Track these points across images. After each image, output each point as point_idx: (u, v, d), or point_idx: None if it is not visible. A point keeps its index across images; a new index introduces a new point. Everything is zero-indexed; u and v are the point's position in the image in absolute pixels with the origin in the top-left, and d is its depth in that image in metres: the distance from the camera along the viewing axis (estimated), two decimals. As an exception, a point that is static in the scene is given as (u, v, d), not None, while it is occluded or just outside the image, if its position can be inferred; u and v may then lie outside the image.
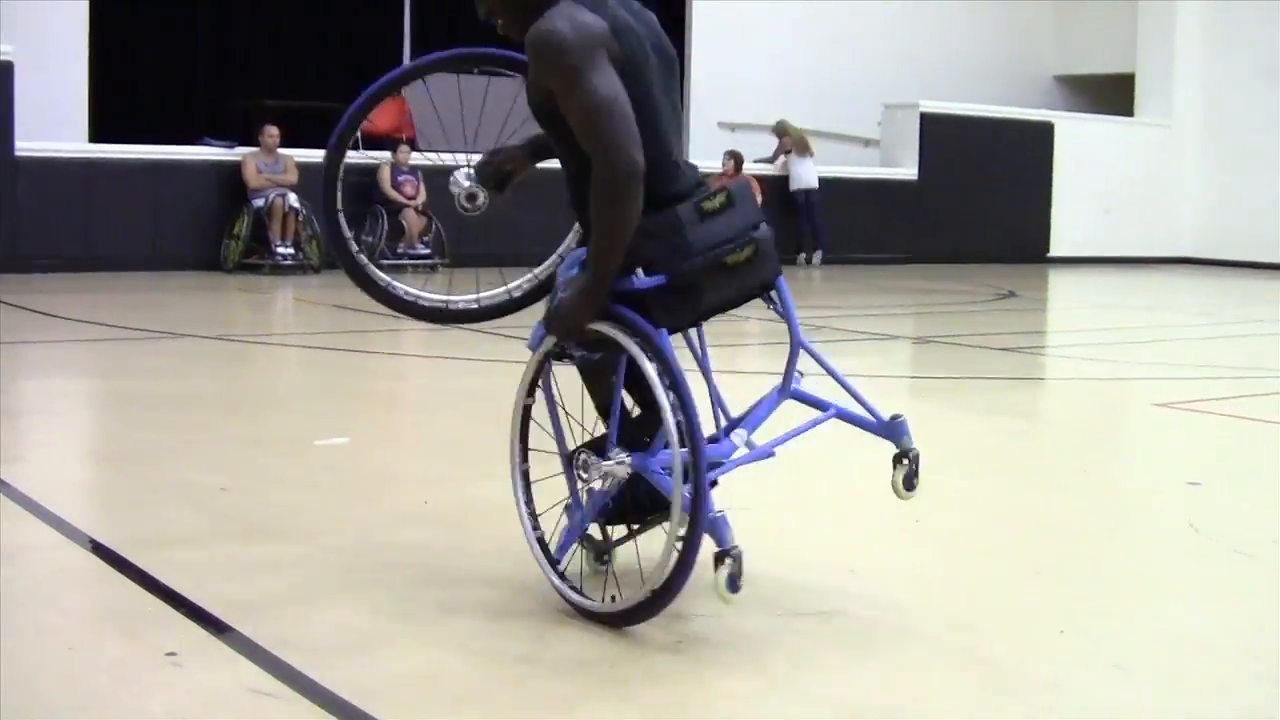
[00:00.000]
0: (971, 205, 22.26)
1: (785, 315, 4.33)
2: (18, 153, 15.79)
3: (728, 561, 3.66)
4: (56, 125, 16.80)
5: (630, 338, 3.81)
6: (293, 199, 16.61)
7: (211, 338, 10.95)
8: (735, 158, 19.69)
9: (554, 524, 4.12)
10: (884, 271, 19.85)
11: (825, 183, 21.15)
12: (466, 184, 4.32)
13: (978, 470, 6.47)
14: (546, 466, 4.16)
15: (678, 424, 3.73)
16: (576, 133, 3.77)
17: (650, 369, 3.77)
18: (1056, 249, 23.44)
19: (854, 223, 21.32)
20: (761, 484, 5.86)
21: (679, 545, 3.74)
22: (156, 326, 11.16)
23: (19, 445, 6.72)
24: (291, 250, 16.52)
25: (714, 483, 4.08)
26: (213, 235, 16.73)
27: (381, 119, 18.90)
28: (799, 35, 23.33)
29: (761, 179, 19.52)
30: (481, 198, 4.34)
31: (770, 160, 21.38)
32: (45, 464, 6.33)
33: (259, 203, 16.58)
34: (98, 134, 17.86)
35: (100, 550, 4.62)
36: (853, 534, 5.18)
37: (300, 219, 16.62)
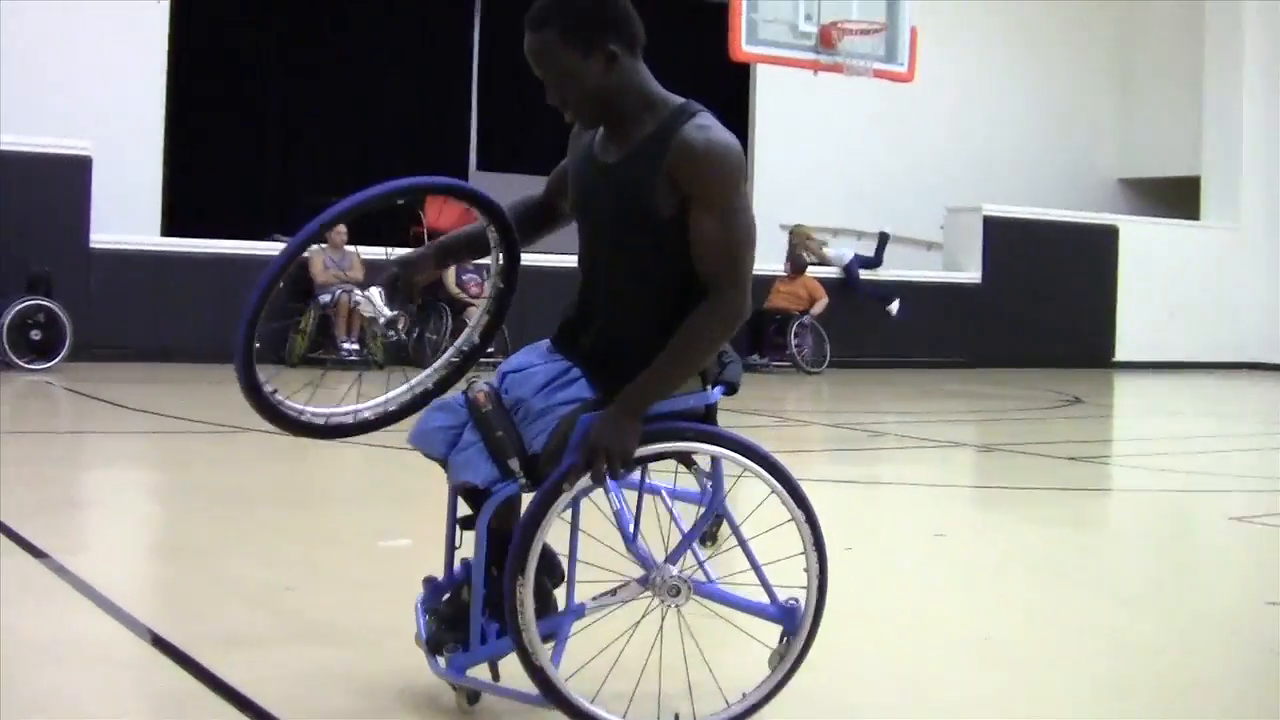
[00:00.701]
0: (1035, 309, 22.19)
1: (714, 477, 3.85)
2: (93, 245, 16.02)
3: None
4: (131, 218, 17.05)
5: (730, 450, 3.71)
6: (359, 295, 16.67)
7: (275, 432, 10.97)
8: (795, 261, 19.74)
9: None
10: (946, 376, 19.78)
11: (887, 286, 21.17)
12: (385, 311, 3.98)
13: (1044, 583, 6.41)
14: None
15: (815, 535, 3.81)
16: (705, 251, 3.54)
17: (773, 481, 3.76)
18: (1121, 353, 23.33)
19: (916, 326, 21.29)
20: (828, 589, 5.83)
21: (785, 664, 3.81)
22: (222, 420, 11.22)
23: (84, 536, 6.78)
24: (356, 346, 16.62)
25: None
26: (279, 330, 16.85)
27: (445, 219, 19.07)
28: (861, 137, 23.42)
29: (823, 280, 19.59)
30: (403, 321, 4.03)
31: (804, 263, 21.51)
32: (109, 556, 6.37)
33: (325, 298, 16.72)
34: (170, 228, 18.10)
35: (162, 645, 4.62)
36: (919, 647, 5.11)
37: (366, 315, 16.70)
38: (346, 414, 4.11)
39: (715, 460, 3.73)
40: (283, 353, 16.67)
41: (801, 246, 20.87)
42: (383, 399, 4.10)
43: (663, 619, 3.71)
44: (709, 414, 3.77)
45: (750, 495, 3.84)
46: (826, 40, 18.50)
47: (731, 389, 3.80)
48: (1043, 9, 25.51)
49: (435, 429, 3.80)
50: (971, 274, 22.18)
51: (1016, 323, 22.06)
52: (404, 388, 4.09)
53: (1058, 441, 12.29)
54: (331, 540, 6.74)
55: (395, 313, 3.97)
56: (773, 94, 23.00)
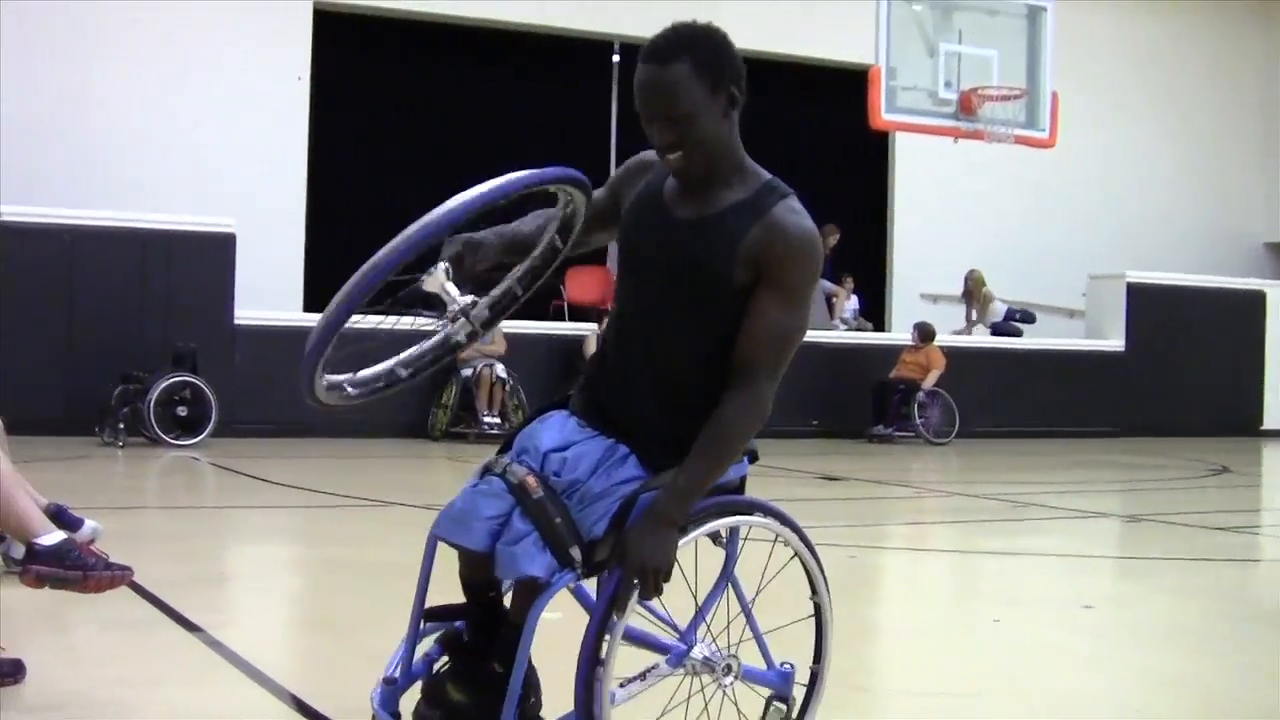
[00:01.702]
0: (1180, 377, 21.87)
1: None
2: (237, 321, 16.29)
3: None
4: (274, 294, 17.33)
5: (772, 520, 3.62)
6: (500, 369, 16.88)
7: (419, 506, 11.08)
8: (921, 330, 19.65)
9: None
10: (1089, 445, 19.54)
11: (1029, 355, 21.06)
12: (457, 295, 3.65)
13: (1197, 656, 6.30)
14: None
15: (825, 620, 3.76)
16: (757, 335, 3.43)
17: (810, 560, 3.70)
18: (1270, 422, 22.89)
19: (1059, 395, 21.09)
20: (976, 661, 5.77)
21: None
22: (364, 494, 11.34)
23: (232, 609, 6.87)
24: (498, 419, 16.74)
25: None
26: (421, 404, 17.03)
27: (587, 291, 19.23)
28: (1002, 204, 23.31)
29: (947, 350, 19.47)
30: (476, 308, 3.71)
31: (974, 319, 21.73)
32: (261, 629, 6.46)
33: (467, 372, 16.87)
34: (312, 303, 18.36)
35: (311, 714, 4.67)
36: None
37: (507, 389, 16.87)
38: (379, 376, 3.92)
39: (733, 530, 3.59)
40: (427, 426, 16.87)
41: (976, 288, 21.13)
42: (417, 351, 3.85)
43: (706, 701, 3.58)
44: (741, 485, 3.69)
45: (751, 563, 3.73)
46: (966, 107, 18.47)
47: (754, 457, 3.68)
48: (1186, 73, 25.30)
49: (481, 520, 3.44)
50: (1115, 342, 21.93)
51: (1162, 391, 21.75)
52: (437, 339, 3.81)
53: (1206, 511, 12.09)
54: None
55: (470, 299, 3.65)
56: (912, 161, 22.96)
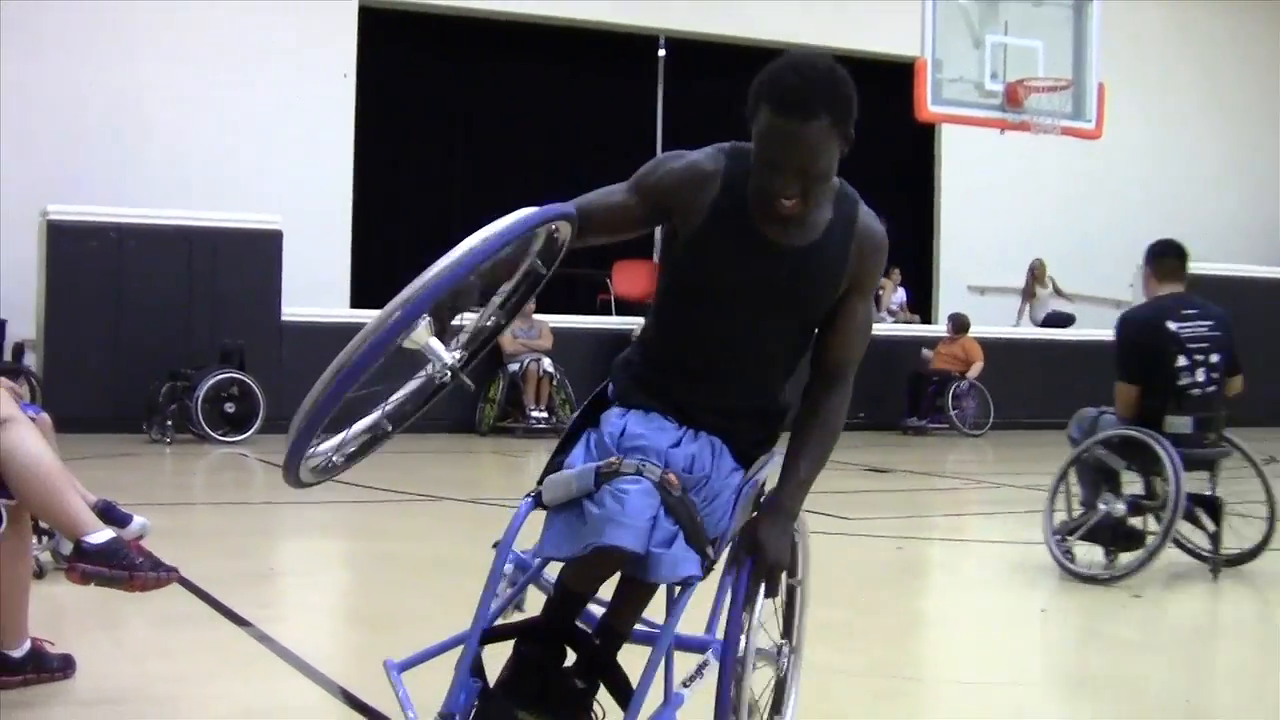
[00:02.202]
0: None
1: None
2: (284, 318, 16.35)
3: None
4: (321, 291, 17.40)
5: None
6: (547, 364, 16.91)
7: (466, 500, 11.12)
8: (956, 321, 19.57)
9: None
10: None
11: (1077, 345, 20.96)
12: (443, 354, 3.41)
13: (1246, 645, 6.27)
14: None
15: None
16: (853, 339, 3.50)
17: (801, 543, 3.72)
18: (1320, 412, 22.70)
19: (1106, 385, 20.92)
20: (1024, 650, 5.75)
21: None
22: (412, 489, 11.37)
23: (281, 604, 6.91)
24: (545, 414, 16.77)
25: None
26: (468, 399, 17.04)
27: (633, 285, 19.23)
28: (1049, 196, 23.22)
29: (982, 341, 19.35)
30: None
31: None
32: (311, 624, 6.49)
33: (514, 367, 16.91)
34: (358, 298, 18.44)
35: (366, 711, 4.68)
36: (1120, 710, 5.01)
37: (554, 383, 16.89)
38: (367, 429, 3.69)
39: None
40: (475, 421, 16.92)
41: (1040, 273, 21.14)
42: (399, 399, 3.66)
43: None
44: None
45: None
46: (1013, 98, 18.41)
47: None
48: (1233, 63, 25.14)
49: (642, 521, 3.20)
50: (1163, 333, 21.75)
51: (1212, 381, 21.56)
52: (414, 387, 3.62)
53: (1258, 502, 11.99)
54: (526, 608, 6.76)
55: (458, 354, 3.44)
56: (959, 153, 22.90)
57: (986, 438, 18.61)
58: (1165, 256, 8.22)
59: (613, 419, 3.45)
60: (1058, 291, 22.22)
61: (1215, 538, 7.89)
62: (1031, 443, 17.83)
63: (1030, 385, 20.23)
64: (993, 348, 19.50)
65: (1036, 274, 22.13)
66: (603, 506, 3.21)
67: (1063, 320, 22.04)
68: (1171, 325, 7.90)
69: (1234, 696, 5.28)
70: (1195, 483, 7.73)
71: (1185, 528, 7.75)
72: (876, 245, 3.51)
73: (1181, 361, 7.87)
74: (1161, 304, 8.08)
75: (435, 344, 3.32)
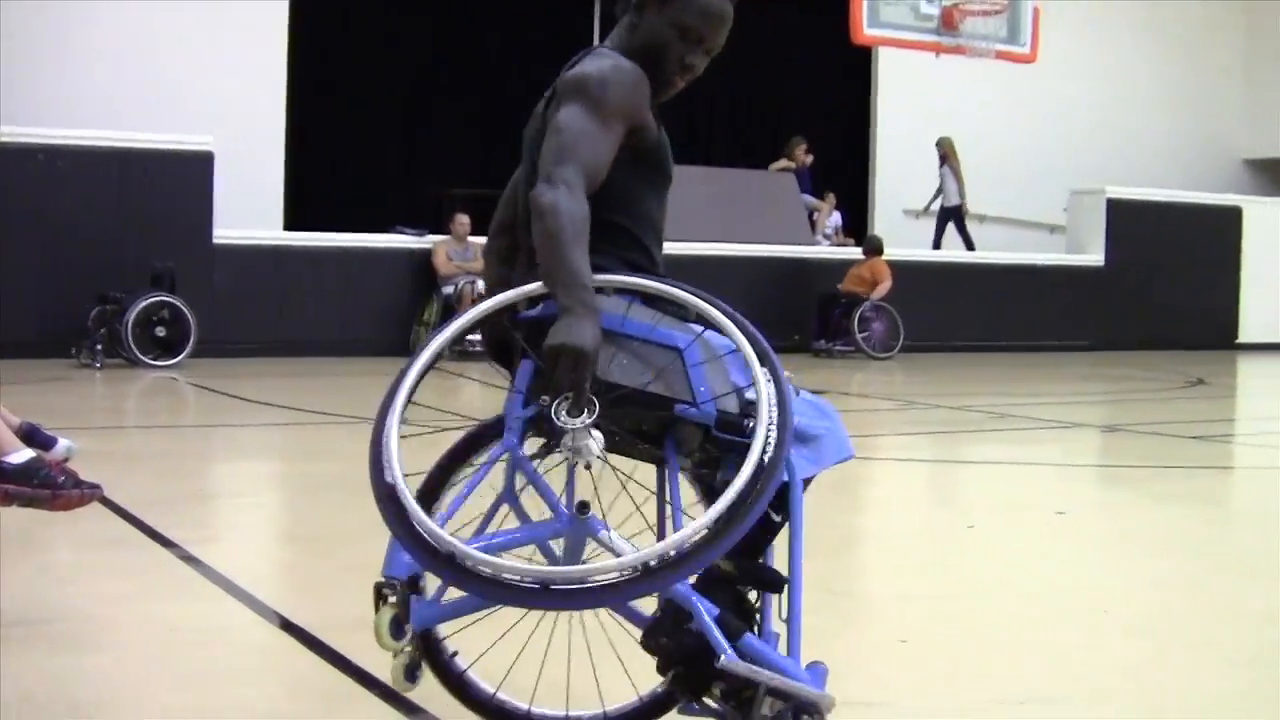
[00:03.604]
0: (1159, 291, 21.90)
1: None
2: (216, 240, 16.23)
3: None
4: (253, 213, 17.27)
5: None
6: (481, 286, 16.80)
7: (400, 422, 11.08)
8: (868, 243, 19.54)
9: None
10: (1069, 358, 19.60)
11: (1011, 270, 21.08)
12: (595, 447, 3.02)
13: (1170, 558, 6.36)
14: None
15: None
16: None
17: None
18: (1246, 335, 22.96)
19: (1039, 310, 21.14)
20: (951, 566, 5.83)
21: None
22: (347, 411, 11.35)
23: (215, 526, 6.90)
24: (479, 337, 16.70)
25: None
26: (403, 321, 17.03)
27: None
28: (984, 121, 23.27)
29: (893, 264, 19.27)
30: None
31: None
32: (241, 545, 6.49)
33: (449, 290, 16.87)
34: (292, 222, 18.33)
35: (294, 630, 4.70)
36: (1044, 622, 5.08)
37: (488, 305, 16.86)
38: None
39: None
40: (409, 343, 16.88)
41: (951, 153, 21.35)
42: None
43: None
44: None
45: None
46: (949, 22, 18.45)
47: None
48: (1168, -11, 25.27)
49: None
50: (1095, 257, 21.94)
51: (1140, 305, 21.79)
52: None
53: (1181, 421, 12.15)
54: (459, 524, 6.78)
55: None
56: (895, 78, 22.93)
57: (896, 360, 18.59)
58: None
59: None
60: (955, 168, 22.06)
61: None
62: (939, 365, 17.94)
63: (943, 308, 20.33)
64: (905, 270, 19.54)
65: (947, 149, 22.04)
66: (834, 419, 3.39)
67: (964, 236, 21.96)
68: None
69: (1157, 604, 5.36)
70: None
71: None
72: None
73: None
74: None
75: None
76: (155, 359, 14.78)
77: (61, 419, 8.49)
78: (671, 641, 3.08)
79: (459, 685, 3.57)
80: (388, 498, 3.11)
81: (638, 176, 3.44)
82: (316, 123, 20.07)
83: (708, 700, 3.14)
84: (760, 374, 3.12)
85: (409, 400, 3.32)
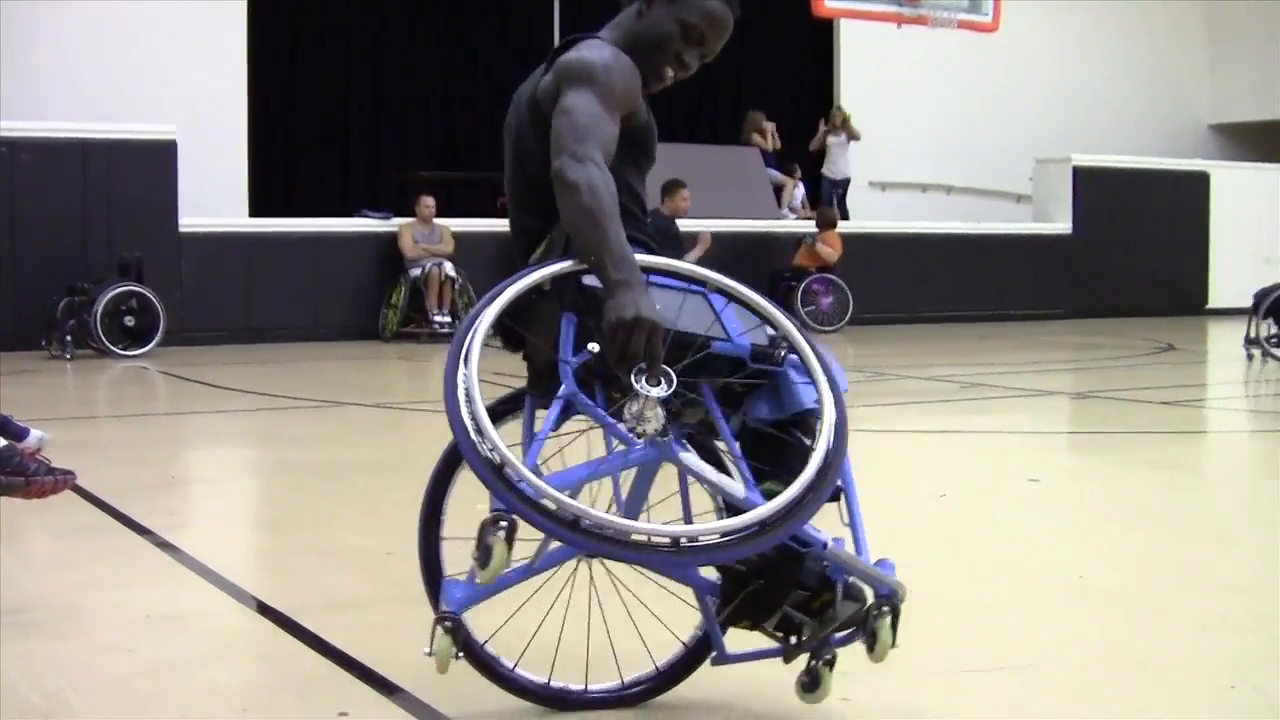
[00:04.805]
0: (1127, 258, 21.97)
1: None
2: (182, 229, 16.19)
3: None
4: (219, 201, 17.23)
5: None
6: (449, 268, 16.86)
7: (371, 405, 11.11)
8: (820, 215, 19.45)
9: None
10: (1038, 327, 19.67)
11: (978, 240, 21.12)
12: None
13: (1141, 524, 6.39)
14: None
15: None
16: None
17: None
18: (1215, 300, 23.03)
19: (1007, 279, 21.20)
20: (922, 535, 5.85)
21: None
22: (318, 395, 11.35)
23: (188, 512, 6.90)
24: (448, 318, 16.72)
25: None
26: (371, 305, 17.02)
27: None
28: (948, 91, 23.31)
29: (850, 237, 19.12)
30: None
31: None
32: (214, 530, 6.48)
33: (416, 272, 16.85)
34: (259, 208, 18.28)
35: (269, 613, 4.70)
36: (1014, 589, 5.11)
37: (456, 288, 16.85)
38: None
39: None
40: (378, 327, 16.90)
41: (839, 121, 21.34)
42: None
43: None
44: None
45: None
46: (910, -8, 18.42)
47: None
48: (1128, -45, 25.29)
49: None
50: (1062, 225, 22.01)
51: (1108, 273, 21.86)
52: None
53: (1151, 387, 12.21)
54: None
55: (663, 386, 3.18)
56: (857, 50, 22.92)
57: (843, 333, 18.56)
58: None
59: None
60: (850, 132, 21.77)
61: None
62: (906, 337, 17.97)
63: (910, 279, 20.35)
64: (871, 242, 19.54)
65: (834, 122, 21.78)
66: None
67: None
68: None
69: (1129, 571, 5.38)
70: None
71: None
72: None
73: None
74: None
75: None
76: (125, 349, 14.74)
77: (33, 410, 8.47)
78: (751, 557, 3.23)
79: (481, 661, 3.65)
80: (498, 475, 3.12)
81: (630, 160, 3.60)
82: (279, 108, 20.02)
83: (764, 630, 3.38)
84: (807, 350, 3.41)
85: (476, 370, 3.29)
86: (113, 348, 14.68)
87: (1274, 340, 14.56)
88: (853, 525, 3.45)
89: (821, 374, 3.38)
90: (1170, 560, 5.65)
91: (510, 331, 3.54)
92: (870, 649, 3.35)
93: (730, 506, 3.24)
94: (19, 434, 5.91)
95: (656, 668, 3.72)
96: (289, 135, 20.38)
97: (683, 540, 3.08)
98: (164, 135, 16.21)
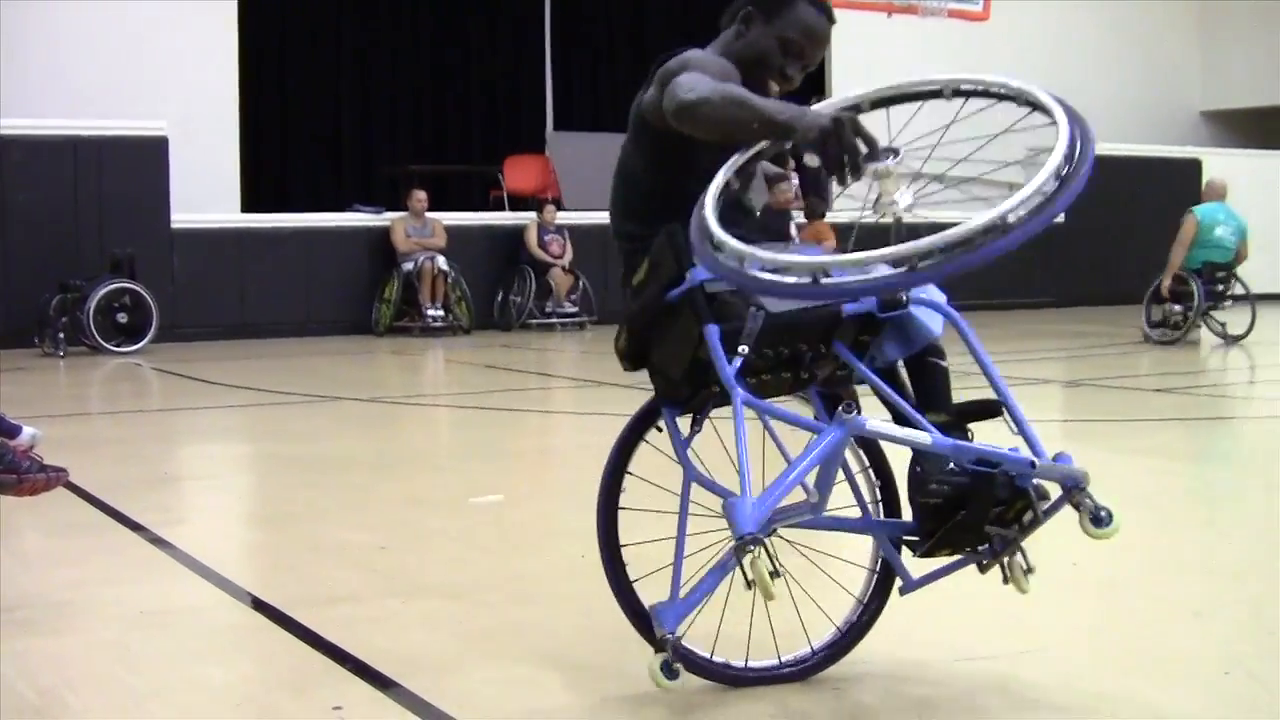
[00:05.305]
0: (1119, 245, 21.97)
1: None
2: (174, 225, 16.18)
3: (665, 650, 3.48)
4: (211, 196, 17.21)
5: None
6: (441, 262, 16.85)
7: (365, 400, 11.11)
8: (807, 205, 19.39)
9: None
10: (1031, 315, 19.68)
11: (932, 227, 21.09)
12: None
13: (1133, 511, 6.37)
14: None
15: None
16: None
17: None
18: (1207, 287, 23.00)
19: (1000, 267, 20.74)
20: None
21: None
22: (311, 390, 11.34)
23: (182, 508, 6.89)
24: (441, 312, 16.73)
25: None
26: (364, 300, 17.03)
27: (526, 180, 19.10)
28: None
29: (839, 226, 19.10)
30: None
31: None
32: (208, 526, 6.49)
33: (408, 266, 16.85)
34: (250, 204, 18.26)
35: (264, 609, 4.70)
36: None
37: (449, 281, 16.84)
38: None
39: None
40: (371, 322, 16.90)
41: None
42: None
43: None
44: None
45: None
46: (900, -18, 18.42)
47: None
48: (1120, -58, 25.29)
49: None
50: (1054, 213, 21.96)
51: (1100, 260, 21.87)
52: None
53: (1144, 375, 12.22)
54: (423, 500, 6.81)
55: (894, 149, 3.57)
56: (846, 41, 22.85)
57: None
58: None
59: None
60: None
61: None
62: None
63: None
64: (863, 232, 19.44)
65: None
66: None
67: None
68: None
69: (1119, 557, 5.39)
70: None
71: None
72: None
73: None
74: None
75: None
76: (118, 345, 14.75)
77: (25, 407, 8.49)
78: (947, 484, 3.58)
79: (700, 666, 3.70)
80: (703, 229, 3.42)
81: (707, 148, 3.65)
82: (270, 104, 19.96)
83: (963, 553, 3.71)
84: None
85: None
86: (105, 344, 14.69)
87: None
88: (1022, 431, 3.75)
89: (1053, 101, 3.79)
90: (1163, 547, 5.65)
91: (634, 352, 3.72)
92: (1095, 523, 3.64)
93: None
94: (11, 431, 5.92)
95: (812, 648, 3.85)
96: (280, 130, 20.32)
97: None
98: (155, 131, 16.21)
